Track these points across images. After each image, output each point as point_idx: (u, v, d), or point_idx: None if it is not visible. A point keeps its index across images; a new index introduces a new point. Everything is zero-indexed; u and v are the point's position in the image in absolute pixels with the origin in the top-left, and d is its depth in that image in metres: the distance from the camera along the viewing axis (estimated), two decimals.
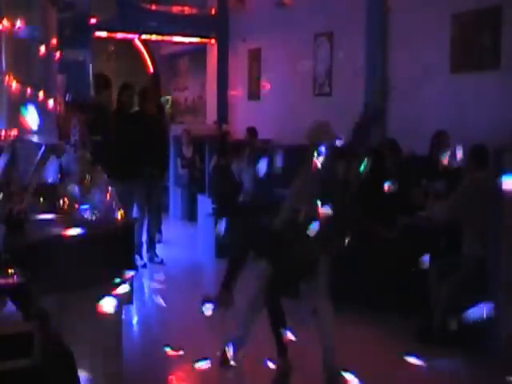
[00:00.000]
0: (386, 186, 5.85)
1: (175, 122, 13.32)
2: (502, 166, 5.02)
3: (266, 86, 10.64)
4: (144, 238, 8.05)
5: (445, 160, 6.00)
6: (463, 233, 5.43)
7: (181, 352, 4.97)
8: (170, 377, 4.74)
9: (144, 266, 7.87)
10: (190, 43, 12.50)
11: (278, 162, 6.32)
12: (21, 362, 2.34)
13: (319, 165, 4.54)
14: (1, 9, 4.57)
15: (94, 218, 3.88)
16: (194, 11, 11.79)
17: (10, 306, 2.55)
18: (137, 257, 7.95)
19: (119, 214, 3.91)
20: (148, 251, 8.03)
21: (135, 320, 6.08)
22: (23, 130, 4.40)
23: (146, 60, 14.48)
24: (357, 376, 4.78)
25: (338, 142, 4.71)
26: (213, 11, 11.92)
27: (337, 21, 8.87)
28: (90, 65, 10.12)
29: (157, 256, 7.94)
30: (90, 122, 6.25)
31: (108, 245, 3.74)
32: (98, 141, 6.63)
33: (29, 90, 4.54)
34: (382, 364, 5.00)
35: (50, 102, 4.63)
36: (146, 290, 7.08)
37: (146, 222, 7.94)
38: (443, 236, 5.72)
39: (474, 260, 5.25)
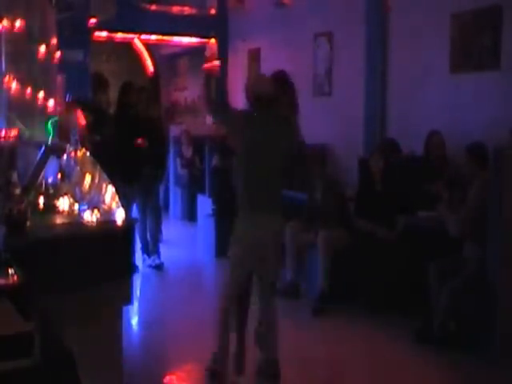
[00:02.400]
0: None
1: (175, 123, 13.32)
2: (501, 165, 5.02)
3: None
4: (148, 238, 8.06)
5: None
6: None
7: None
8: (169, 377, 4.74)
9: (149, 265, 7.88)
10: (190, 43, 12.50)
11: None
12: (21, 363, 2.33)
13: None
14: (0, 9, 4.57)
15: (93, 218, 3.88)
16: (194, 11, 11.78)
17: (10, 306, 2.55)
18: (145, 256, 7.96)
19: (119, 215, 3.91)
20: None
21: (135, 320, 6.08)
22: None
23: (145, 60, 14.47)
24: (356, 376, 4.79)
25: None
26: (212, 11, 11.91)
27: (337, 21, 8.87)
28: (90, 65, 10.12)
29: (159, 258, 7.91)
30: (89, 122, 6.25)
31: (108, 245, 3.74)
32: (97, 141, 6.64)
33: (29, 90, 4.54)
34: (382, 364, 5.00)
35: (50, 102, 4.63)
36: (146, 290, 7.08)
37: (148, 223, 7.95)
38: (443, 236, 5.70)
39: (475, 261, 5.25)
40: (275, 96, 4.40)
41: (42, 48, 4.59)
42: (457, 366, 4.95)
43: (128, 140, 7.40)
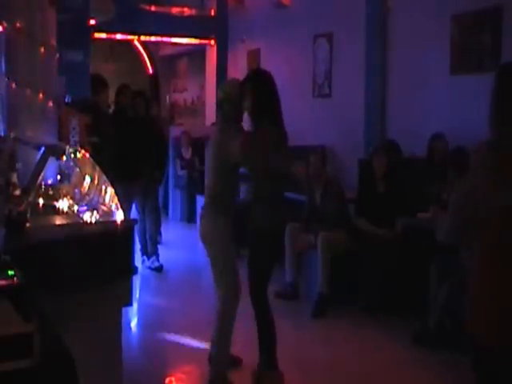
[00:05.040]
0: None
1: (174, 124, 13.32)
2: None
3: None
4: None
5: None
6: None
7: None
8: (169, 378, 4.74)
9: (149, 267, 7.88)
10: (189, 44, 12.50)
11: None
12: (20, 363, 2.33)
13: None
14: (0, 10, 4.57)
15: (93, 219, 3.88)
16: (193, 12, 11.78)
17: (10, 307, 2.55)
18: (144, 258, 7.95)
19: (118, 216, 3.91)
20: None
21: (135, 321, 6.08)
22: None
23: (145, 61, 14.49)
24: (356, 377, 4.78)
25: None
26: (212, 12, 11.92)
27: (336, 21, 8.87)
28: (90, 66, 10.10)
29: (158, 260, 7.91)
30: (88, 123, 6.25)
31: (107, 246, 3.74)
32: (96, 142, 6.64)
33: (28, 92, 4.54)
34: (382, 365, 5.00)
35: (50, 104, 4.63)
36: (146, 292, 7.07)
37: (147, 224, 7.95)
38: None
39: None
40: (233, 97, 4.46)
41: (42, 49, 4.59)
42: (456, 366, 4.94)
43: (127, 141, 7.40)
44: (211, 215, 4.52)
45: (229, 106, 4.47)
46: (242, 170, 4.54)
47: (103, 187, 4.16)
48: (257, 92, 4.37)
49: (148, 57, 14.43)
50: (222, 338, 4.49)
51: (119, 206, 4.00)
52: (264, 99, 4.39)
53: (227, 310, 4.50)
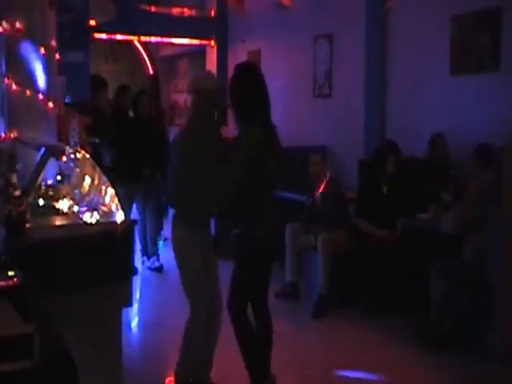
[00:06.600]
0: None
1: (174, 124, 13.31)
2: (502, 166, 5.03)
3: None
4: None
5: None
6: (465, 234, 5.41)
7: None
8: (169, 378, 4.73)
9: (149, 267, 7.87)
10: (190, 45, 12.49)
11: None
12: (21, 364, 2.34)
13: None
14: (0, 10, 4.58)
15: (93, 219, 3.88)
16: (194, 13, 11.77)
17: (10, 308, 2.55)
18: (144, 258, 7.95)
19: (119, 216, 3.91)
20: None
21: (135, 322, 6.08)
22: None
23: (145, 62, 14.48)
24: (357, 378, 4.79)
25: None
26: (212, 13, 11.91)
27: (337, 22, 8.87)
28: (90, 66, 10.10)
29: (158, 260, 7.91)
30: (88, 124, 6.25)
31: (107, 246, 3.74)
32: (96, 142, 6.64)
33: (28, 92, 4.54)
34: (383, 365, 5.00)
35: (50, 104, 4.63)
36: (146, 292, 7.08)
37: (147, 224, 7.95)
38: (443, 238, 5.70)
39: (473, 260, 5.25)
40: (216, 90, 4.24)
41: (42, 49, 4.59)
42: (457, 366, 4.95)
43: (128, 141, 7.40)
44: (175, 225, 4.32)
45: (198, 101, 4.23)
46: None
47: (103, 188, 4.16)
48: (235, 91, 4.12)
49: (148, 57, 14.42)
50: (185, 349, 4.30)
51: (119, 206, 4.00)
52: (242, 99, 4.10)
53: (193, 328, 4.25)
